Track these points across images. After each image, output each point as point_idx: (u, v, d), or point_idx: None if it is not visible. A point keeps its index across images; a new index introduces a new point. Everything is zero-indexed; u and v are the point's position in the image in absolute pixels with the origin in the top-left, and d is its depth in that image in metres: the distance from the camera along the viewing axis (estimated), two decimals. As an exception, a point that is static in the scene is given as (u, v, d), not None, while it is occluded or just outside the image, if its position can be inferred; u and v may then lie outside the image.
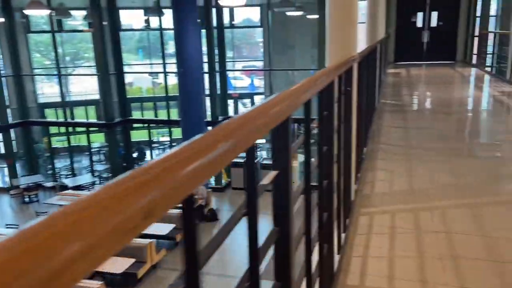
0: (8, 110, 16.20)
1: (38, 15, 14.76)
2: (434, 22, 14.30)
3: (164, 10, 15.59)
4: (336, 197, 2.30)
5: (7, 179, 16.36)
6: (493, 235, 2.56)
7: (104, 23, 15.26)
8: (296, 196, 1.41)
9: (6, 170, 16.33)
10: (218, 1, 12.46)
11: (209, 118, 15.34)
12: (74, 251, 0.36)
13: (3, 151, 16.53)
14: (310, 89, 1.33)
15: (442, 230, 2.63)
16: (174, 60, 13.84)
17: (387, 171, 3.89)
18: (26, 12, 13.34)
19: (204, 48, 14.93)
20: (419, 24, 14.38)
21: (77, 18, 17.65)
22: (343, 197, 2.63)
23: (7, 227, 11.41)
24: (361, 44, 7.47)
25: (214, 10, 15.04)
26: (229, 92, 17.68)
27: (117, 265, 8.89)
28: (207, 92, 15.34)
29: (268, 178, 1.08)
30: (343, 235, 2.56)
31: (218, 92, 15.78)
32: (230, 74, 18.38)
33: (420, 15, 14.31)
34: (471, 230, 2.64)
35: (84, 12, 16.34)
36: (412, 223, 2.78)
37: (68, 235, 0.37)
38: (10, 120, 16.20)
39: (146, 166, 0.51)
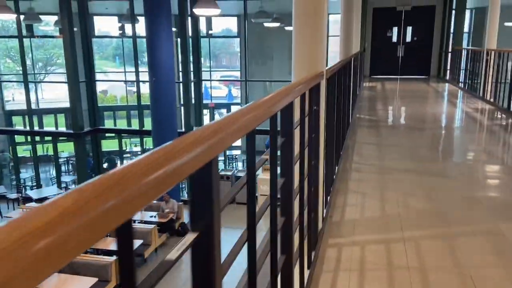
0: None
1: (4, 19, 14.17)
2: (409, 37, 14.43)
3: (139, 18, 15.21)
4: (298, 235, 2.03)
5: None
6: (470, 272, 2.32)
7: (76, 29, 14.78)
8: (236, 252, 1.12)
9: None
10: (193, 11, 12.19)
11: (183, 129, 14.97)
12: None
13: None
14: (251, 119, 1.06)
15: (415, 266, 2.38)
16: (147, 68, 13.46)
17: (359, 193, 3.66)
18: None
19: (180, 57, 14.64)
20: (395, 39, 14.49)
21: (50, 24, 17.08)
22: (308, 230, 2.36)
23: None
24: (337, 57, 7.32)
25: (190, 19, 14.78)
26: (206, 102, 17.37)
27: (79, 285, 8.38)
28: (182, 102, 15.01)
29: (181, 245, 0.79)
30: (307, 272, 2.28)
31: (193, 102, 15.46)
32: (207, 84, 18.10)
33: (395, 30, 14.42)
34: (446, 266, 2.41)
35: (56, 17, 15.79)
36: (383, 257, 2.53)
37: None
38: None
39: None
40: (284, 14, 15.52)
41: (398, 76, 14.22)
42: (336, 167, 4.09)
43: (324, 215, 3.00)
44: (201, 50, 15.96)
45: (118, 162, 17.16)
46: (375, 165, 4.68)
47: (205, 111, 17.77)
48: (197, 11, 11.32)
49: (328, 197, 3.36)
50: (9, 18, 13.25)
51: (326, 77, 2.72)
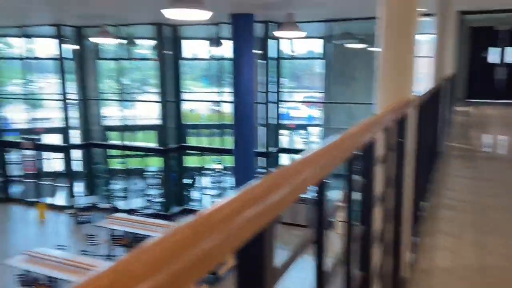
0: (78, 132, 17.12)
1: (106, 43, 15.57)
2: (510, 58, 13.12)
3: (224, 41, 15.79)
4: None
5: (67, 198, 17.06)
6: None
7: (169, 52, 15.77)
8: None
9: (74, 189, 17.11)
10: (276, 34, 12.31)
11: (263, 149, 15.07)
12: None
13: (76, 170, 17.35)
14: (321, 168, 0.86)
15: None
16: (231, 89, 13.84)
17: (451, 236, 3.21)
18: (93, 40, 14.13)
19: (261, 78, 14.86)
20: (494, 60, 13.26)
21: (146, 47, 18.42)
22: (391, 279, 2.06)
23: (57, 248, 11.64)
24: (425, 79, 6.79)
25: (273, 41, 14.98)
26: (285, 122, 17.36)
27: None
28: (261, 122, 15.16)
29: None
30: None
31: (274, 122, 15.54)
32: (288, 104, 18.11)
33: (494, 50, 13.21)
34: None
35: (151, 41, 16.97)
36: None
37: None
38: (78, 141, 17.06)
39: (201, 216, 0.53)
40: (369, 35, 15.02)
41: (497, 101, 12.92)
42: (424, 204, 3.67)
43: (409, 260, 2.64)
44: (282, 70, 16.05)
45: (196, 178, 17.72)
46: (469, 201, 4.13)
47: (286, 132, 17.73)
48: (280, 34, 11.41)
49: (414, 239, 2.99)
50: (111, 42, 14.52)
51: (415, 106, 2.43)
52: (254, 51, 12.74)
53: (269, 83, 14.98)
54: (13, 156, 18.30)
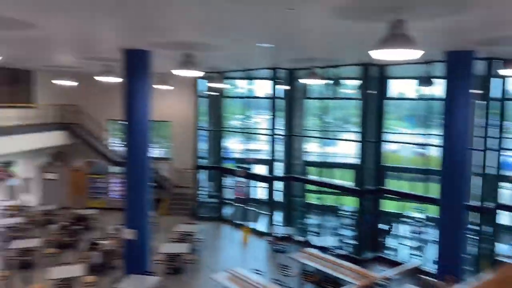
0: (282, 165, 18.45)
1: (314, 83, 16.45)
2: None
3: (434, 80, 14.60)
4: None
5: (267, 225, 18.37)
6: None
7: (373, 91, 15.58)
8: None
9: (274, 218, 18.41)
10: (501, 73, 10.65)
11: (476, 202, 13.06)
12: None
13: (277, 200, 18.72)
14: None
15: None
16: (440, 131, 12.56)
17: None
18: (302, 81, 15.10)
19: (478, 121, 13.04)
20: None
21: (351, 86, 18.70)
22: None
23: (254, 272, 12.46)
24: None
25: (498, 80, 13.03)
26: (508, 174, 14.68)
27: None
28: (477, 171, 13.18)
29: None
30: None
31: (493, 172, 13.31)
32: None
33: None
34: None
35: (355, 81, 17.10)
36: None
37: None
38: (281, 173, 18.34)
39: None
40: None
41: None
42: None
43: None
44: (508, 113, 13.70)
45: (393, 225, 16.54)
46: None
47: (509, 185, 14.94)
48: (508, 72, 9.82)
49: None
50: (318, 83, 15.29)
51: None
52: (471, 90, 11.30)
53: (489, 127, 12.99)
54: (228, 181, 20.95)
